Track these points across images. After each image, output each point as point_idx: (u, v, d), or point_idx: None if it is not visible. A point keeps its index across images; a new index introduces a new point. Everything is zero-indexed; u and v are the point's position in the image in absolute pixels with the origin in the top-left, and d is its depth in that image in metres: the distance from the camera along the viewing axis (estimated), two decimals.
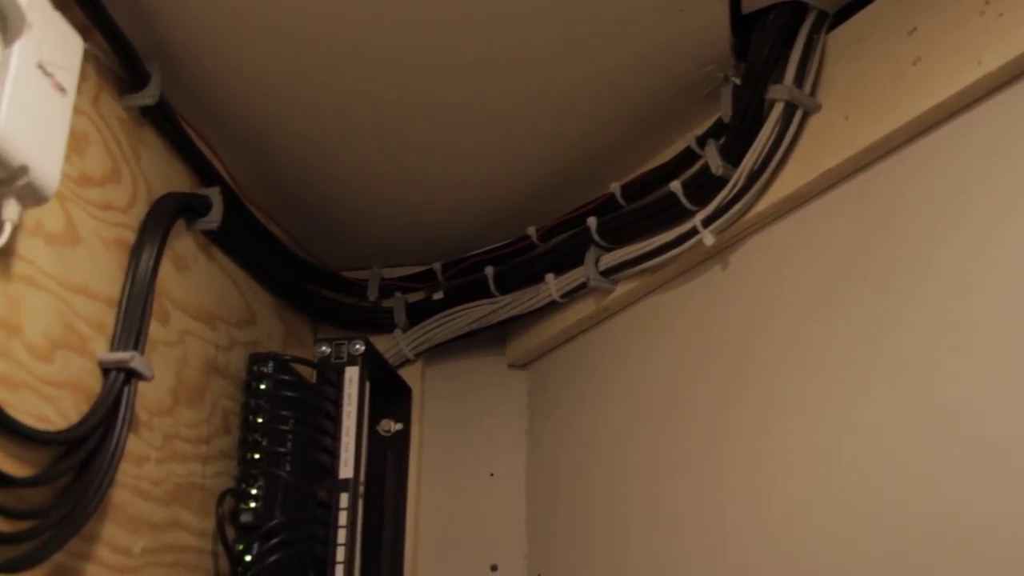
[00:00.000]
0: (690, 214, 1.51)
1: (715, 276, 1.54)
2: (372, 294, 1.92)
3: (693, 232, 1.49)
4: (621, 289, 1.66)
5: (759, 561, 1.35)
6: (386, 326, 1.89)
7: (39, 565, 1.12)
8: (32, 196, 1.09)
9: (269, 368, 1.61)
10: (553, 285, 1.71)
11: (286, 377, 1.62)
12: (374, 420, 1.73)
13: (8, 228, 1.07)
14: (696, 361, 1.53)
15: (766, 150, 1.42)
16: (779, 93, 1.40)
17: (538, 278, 1.75)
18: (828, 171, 1.37)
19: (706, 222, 1.48)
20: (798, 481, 1.33)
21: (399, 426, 1.83)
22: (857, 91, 1.36)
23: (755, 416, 1.42)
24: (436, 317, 1.86)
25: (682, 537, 1.47)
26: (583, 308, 1.72)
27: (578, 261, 1.68)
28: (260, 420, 1.58)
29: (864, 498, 1.24)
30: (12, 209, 1.07)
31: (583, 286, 1.68)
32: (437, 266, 1.89)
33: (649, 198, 1.61)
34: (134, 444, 1.33)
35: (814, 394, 1.34)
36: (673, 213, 1.54)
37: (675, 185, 1.52)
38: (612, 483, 1.62)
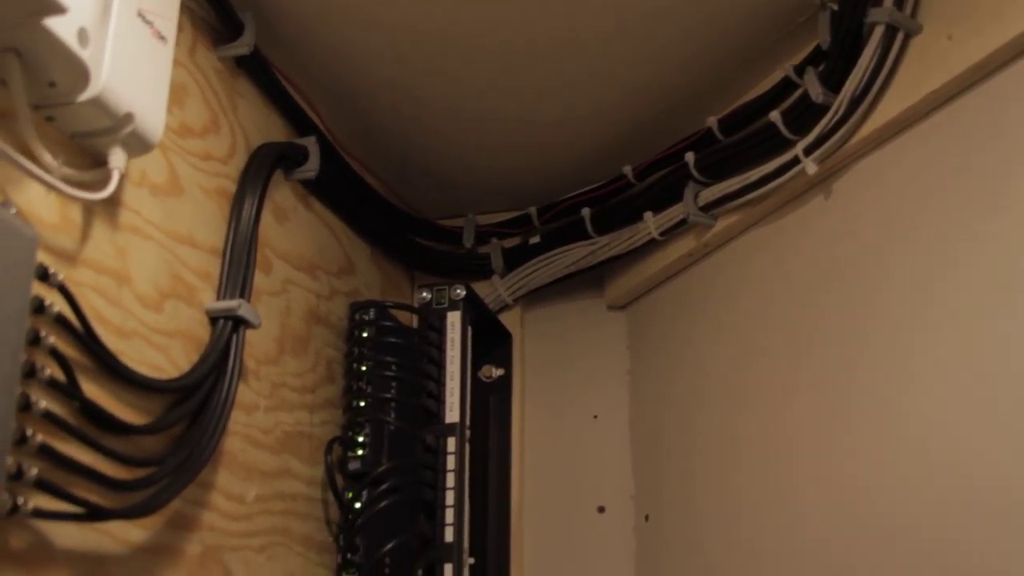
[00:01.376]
0: (791, 144, 1.49)
1: (817, 206, 1.52)
2: (468, 241, 1.92)
3: (795, 161, 1.47)
4: (721, 224, 1.64)
5: (892, 495, 1.32)
6: (483, 272, 1.89)
7: (157, 511, 1.13)
8: (138, 144, 1.10)
9: (371, 315, 1.62)
10: (652, 223, 1.70)
11: (388, 324, 1.63)
12: (476, 366, 1.72)
13: (116, 177, 1.08)
14: (801, 292, 1.51)
15: (867, 75, 1.39)
16: (879, 16, 1.37)
17: (636, 217, 1.73)
18: (931, 93, 1.34)
19: (808, 150, 1.45)
20: (926, 400, 1.31)
21: (500, 372, 1.83)
22: (960, 9, 1.32)
23: (875, 343, 1.39)
24: (533, 261, 1.85)
25: (798, 473, 1.45)
26: (683, 245, 1.71)
27: (676, 198, 1.67)
28: (364, 368, 1.59)
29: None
30: (119, 158, 1.08)
31: (682, 223, 1.67)
32: (532, 210, 1.89)
33: (747, 130, 1.58)
34: (243, 393, 1.34)
35: (924, 319, 1.32)
36: (773, 144, 1.52)
37: (774, 115, 1.50)
38: (721, 420, 1.61)
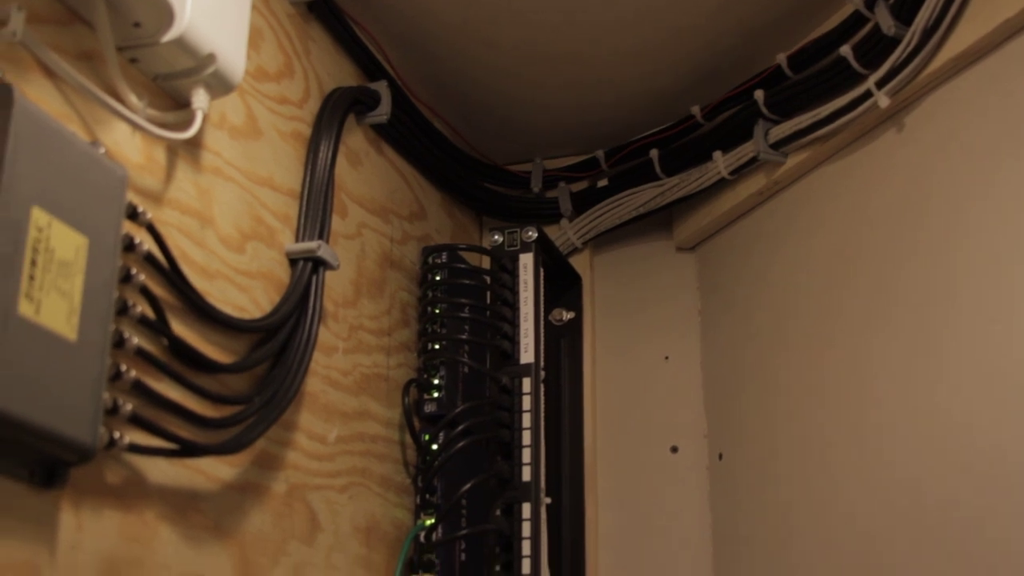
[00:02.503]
0: (862, 78, 1.48)
1: (889, 140, 1.51)
2: (536, 185, 1.93)
3: (866, 95, 1.47)
4: (791, 161, 1.64)
5: (990, 429, 1.30)
6: (552, 216, 1.89)
7: (246, 448, 1.15)
8: (219, 85, 1.11)
9: (443, 258, 1.63)
10: (721, 162, 1.70)
11: (461, 266, 1.64)
12: (546, 309, 1.73)
13: (199, 117, 1.09)
14: (878, 227, 1.51)
15: (940, 5, 1.38)
16: None
17: (705, 157, 1.73)
18: (1006, 22, 1.33)
19: (880, 84, 1.45)
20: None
21: (571, 314, 1.83)
22: None
23: (964, 275, 1.39)
24: (602, 204, 1.85)
25: (884, 409, 1.44)
26: (752, 184, 1.70)
27: (746, 136, 1.66)
28: (438, 310, 1.60)
29: None
30: (202, 98, 1.09)
31: (752, 160, 1.66)
32: (600, 154, 1.89)
33: (817, 66, 1.58)
34: (323, 334, 1.36)
35: (1013, 251, 1.31)
36: (843, 79, 1.52)
37: (845, 49, 1.49)
38: (800, 357, 1.60)
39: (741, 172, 1.70)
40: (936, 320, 1.39)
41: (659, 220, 1.89)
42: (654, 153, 1.79)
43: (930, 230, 1.42)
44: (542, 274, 1.66)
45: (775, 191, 1.70)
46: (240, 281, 1.21)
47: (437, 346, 1.59)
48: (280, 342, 1.24)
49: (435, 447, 1.55)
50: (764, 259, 1.71)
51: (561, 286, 1.83)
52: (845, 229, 1.56)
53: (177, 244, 1.10)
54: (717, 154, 1.70)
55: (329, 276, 1.36)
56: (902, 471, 1.40)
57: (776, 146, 1.63)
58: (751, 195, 1.71)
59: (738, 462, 1.70)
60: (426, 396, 1.58)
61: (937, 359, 1.37)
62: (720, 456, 1.73)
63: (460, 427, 1.54)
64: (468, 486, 1.51)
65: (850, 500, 1.47)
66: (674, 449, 1.79)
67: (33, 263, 0.85)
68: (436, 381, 1.57)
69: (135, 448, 0.98)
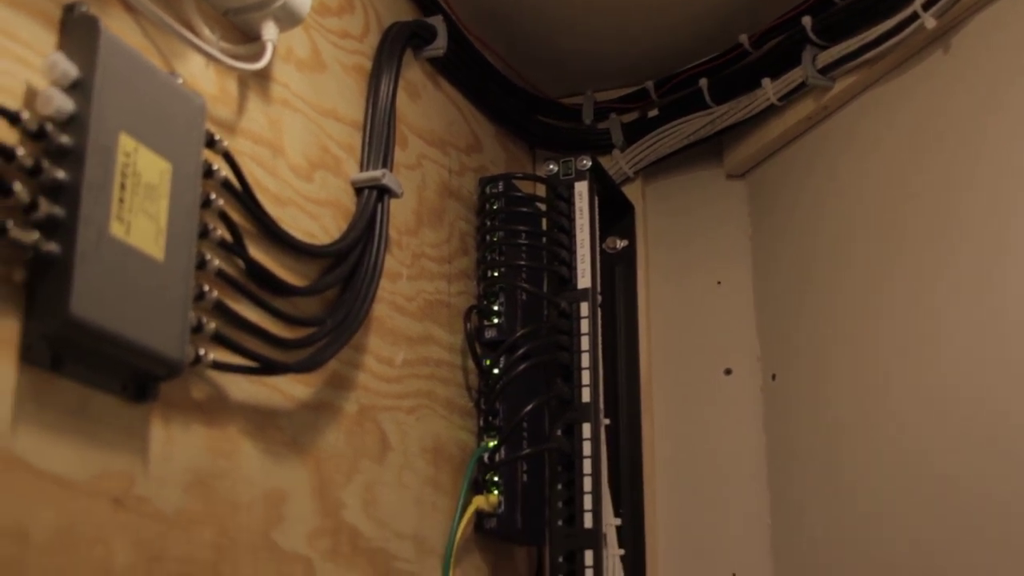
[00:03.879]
0: (908, 0, 1.50)
1: (937, 62, 1.53)
2: (587, 117, 1.96)
3: (913, 17, 1.49)
4: (839, 86, 1.66)
5: None
6: (604, 147, 1.92)
7: (320, 367, 1.20)
8: (287, 18, 1.15)
9: (500, 188, 1.67)
10: (770, 88, 1.72)
11: (517, 195, 1.68)
12: (601, 238, 1.77)
13: (269, 48, 1.13)
14: (923, 149, 1.53)
15: None
16: None
17: (754, 84, 1.76)
18: None
19: (926, 6, 1.47)
20: None
21: (624, 243, 1.87)
22: None
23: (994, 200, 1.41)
24: (653, 134, 1.88)
25: (944, 327, 1.47)
26: (801, 109, 1.73)
27: (794, 63, 1.69)
28: (496, 238, 1.65)
29: None
30: (271, 30, 1.13)
31: (801, 86, 1.69)
32: (649, 84, 1.91)
33: None
34: (388, 261, 1.40)
35: None
36: (890, 2, 1.54)
37: None
38: (853, 278, 1.63)
39: (790, 98, 1.73)
40: (999, 238, 1.41)
41: (709, 148, 1.92)
42: (703, 82, 1.82)
43: (988, 149, 1.44)
44: (596, 202, 1.69)
45: (824, 116, 1.72)
46: (310, 209, 1.26)
47: (496, 273, 1.63)
48: (349, 267, 1.29)
49: (496, 371, 1.59)
50: (816, 183, 1.74)
51: (614, 215, 1.86)
52: (899, 151, 1.58)
53: (251, 172, 1.14)
54: (766, 81, 1.73)
55: (393, 205, 1.41)
56: (960, 389, 1.42)
57: (824, 71, 1.66)
58: (800, 120, 1.74)
59: (791, 383, 1.73)
60: (486, 322, 1.62)
61: (1002, 276, 1.40)
62: (773, 377, 1.77)
63: (520, 351, 1.58)
64: (530, 408, 1.56)
65: (905, 418, 1.50)
66: (728, 371, 1.83)
67: (122, 187, 0.90)
68: (496, 307, 1.62)
69: (218, 365, 1.03)
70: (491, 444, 1.56)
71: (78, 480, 0.89)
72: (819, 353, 1.68)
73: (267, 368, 1.11)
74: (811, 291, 1.71)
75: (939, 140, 1.51)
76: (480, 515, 1.55)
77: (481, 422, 1.59)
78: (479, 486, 1.55)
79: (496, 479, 1.55)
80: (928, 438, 1.47)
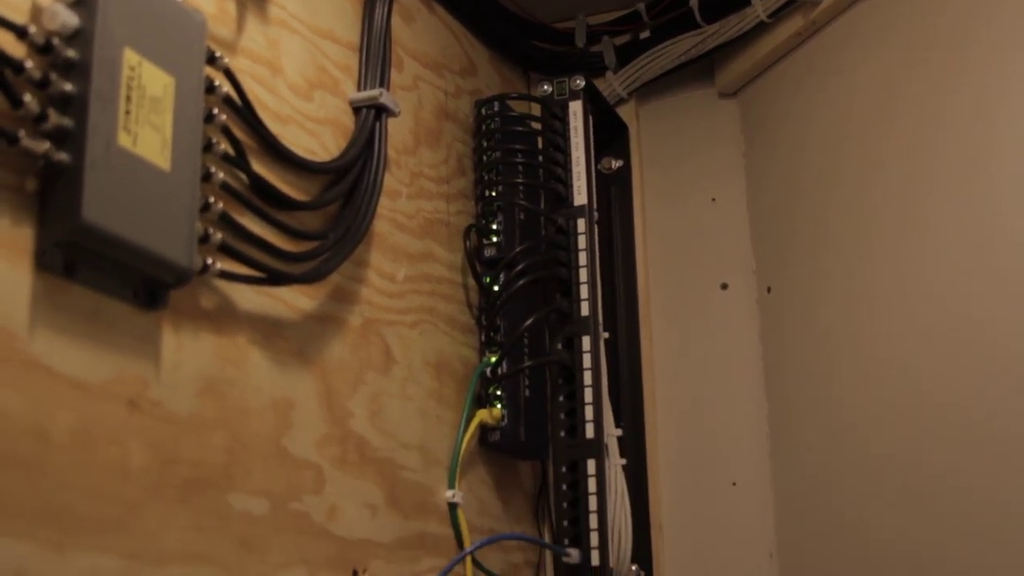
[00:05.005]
0: None
1: None
2: (580, 41, 1.98)
3: None
4: (828, 1, 1.69)
5: None
6: (597, 69, 1.94)
7: (324, 279, 1.24)
8: None
9: (496, 108, 1.70)
10: (759, 6, 1.75)
11: (512, 115, 1.71)
12: (596, 159, 1.79)
13: None
14: (912, 62, 1.56)
15: None
16: None
17: (743, 3, 1.78)
18: None
19: None
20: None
21: (619, 163, 1.90)
22: None
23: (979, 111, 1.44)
24: (645, 55, 1.90)
25: (934, 237, 1.50)
26: (791, 25, 1.75)
27: None
28: (492, 158, 1.67)
29: None
30: None
31: (790, 2, 1.72)
32: (641, 6, 1.93)
33: None
34: (387, 180, 1.43)
35: None
36: None
37: None
38: (846, 190, 1.66)
39: (779, 15, 1.75)
40: (987, 148, 1.44)
41: (701, 68, 1.94)
42: (694, 2, 1.83)
43: (976, 60, 1.46)
44: (591, 121, 1.72)
45: (813, 31, 1.75)
46: (310, 127, 1.29)
47: (494, 193, 1.66)
48: (349, 183, 1.32)
49: (496, 288, 1.63)
50: (806, 98, 1.77)
51: (609, 136, 1.89)
52: (887, 63, 1.60)
53: (251, 89, 1.17)
54: None
55: (391, 125, 1.43)
56: (947, 298, 1.46)
57: None
58: (789, 37, 1.76)
59: (786, 295, 1.77)
60: (485, 241, 1.65)
61: (989, 185, 1.43)
62: (768, 289, 1.80)
63: (519, 267, 1.61)
64: (530, 321, 1.59)
65: (892, 328, 1.54)
66: (724, 286, 1.86)
67: (128, 99, 0.93)
68: (494, 226, 1.65)
69: (226, 275, 1.07)
70: (493, 359, 1.60)
71: (94, 383, 0.93)
72: (812, 265, 1.71)
73: (273, 279, 1.14)
74: (803, 205, 1.74)
75: (927, 51, 1.54)
76: (484, 429, 1.59)
77: (483, 338, 1.63)
78: (482, 401, 1.59)
79: (499, 393, 1.59)
80: (915, 350, 1.50)
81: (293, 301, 1.22)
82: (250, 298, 1.14)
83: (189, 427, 1.03)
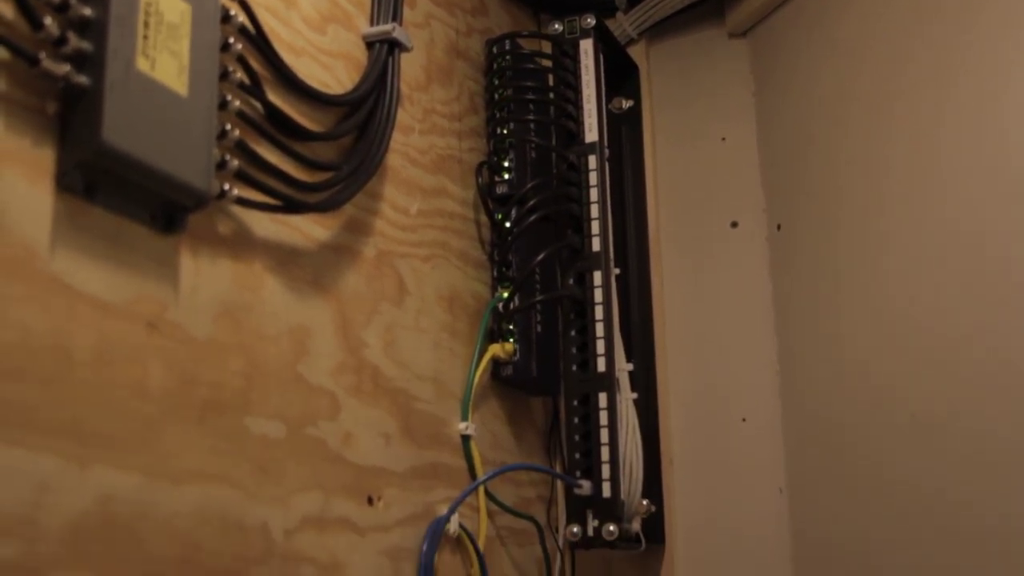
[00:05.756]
0: None
1: None
2: None
3: None
4: None
5: None
6: (607, 9, 1.95)
7: (339, 208, 1.26)
8: None
9: (506, 47, 1.71)
10: None
11: (523, 53, 1.72)
12: (606, 99, 1.80)
13: None
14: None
15: None
16: None
17: None
18: None
19: None
20: None
21: (630, 103, 1.91)
22: None
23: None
24: None
25: (947, 169, 1.51)
26: None
27: None
28: (504, 95, 1.68)
29: None
30: None
31: None
32: None
33: None
34: (400, 115, 1.44)
35: None
36: None
37: None
38: (859, 124, 1.66)
39: None
40: (1003, 84, 1.44)
41: (711, 8, 1.95)
42: None
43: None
44: (601, 60, 1.73)
45: None
46: (323, 60, 1.30)
47: (505, 130, 1.68)
48: (363, 116, 1.33)
49: (508, 224, 1.64)
50: (818, 37, 1.77)
51: (619, 76, 1.90)
52: (903, 1, 1.61)
53: (265, 21, 1.18)
54: None
55: (404, 61, 1.45)
56: (960, 236, 1.46)
57: None
58: None
59: (796, 232, 1.78)
60: (497, 179, 1.66)
61: (1004, 124, 1.43)
62: (778, 227, 1.81)
63: (530, 203, 1.63)
64: (542, 256, 1.61)
65: (903, 264, 1.55)
66: (734, 224, 1.87)
67: (146, 24, 0.94)
68: (506, 163, 1.66)
69: (242, 201, 1.08)
70: (505, 294, 1.61)
71: (114, 303, 0.95)
72: (823, 203, 1.72)
73: (289, 207, 1.16)
74: (815, 143, 1.75)
75: None
76: (496, 363, 1.61)
77: (495, 273, 1.64)
78: (494, 336, 1.61)
79: (511, 329, 1.61)
80: (926, 285, 1.51)
81: (308, 230, 1.24)
82: (266, 226, 1.16)
83: (207, 350, 1.05)
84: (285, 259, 1.19)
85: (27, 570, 0.83)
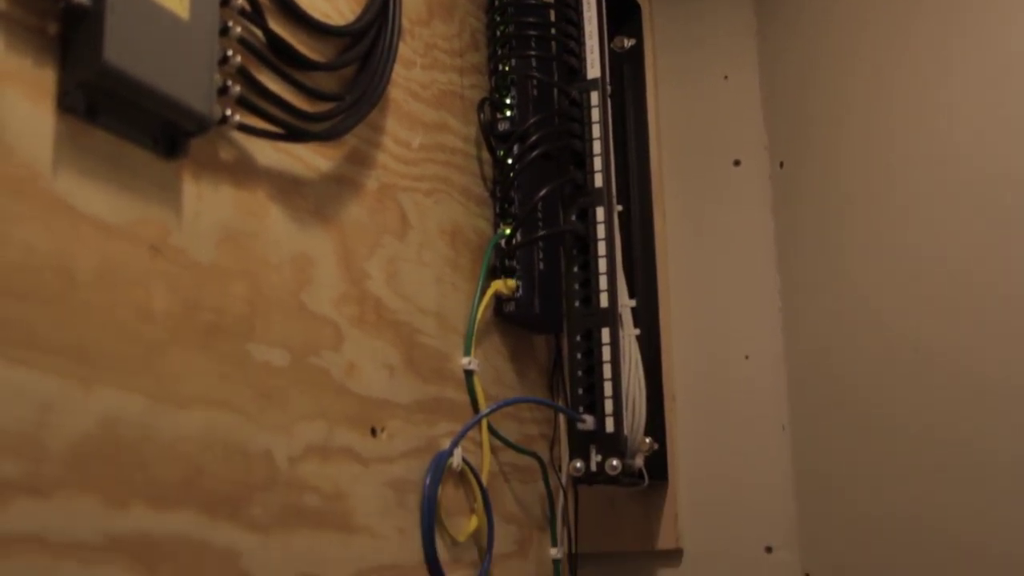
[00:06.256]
0: None
1: None
2: None
3: None
4: None
5: None
6: None
7: (341, 138, 1.26)
8: None
9: None
10: None
11: None
12: (608, 38, 1.79)
13: None
14: None
15: None
16: None
17: None
18: None
19: None
20: None
21: (632, 41, 1.90)
22: None
23: None
24: None
25: (955, 96, 1.50)
26: None
27: None
28: (506, 31, 1.68)
29: None
30: None
31: None
32: None
33: None
34: (401, 49, 1.44)
35: None
36: None
37: None
38: (865, 62, 1.66)
39: None
40: (1012, 5, 1.44)
41: None
42: None
43: None
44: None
45: None
46: None
47: (507, 67, 1.67)
48: (365, 48, 1.33)
49: (510, 162, 1.64)
50: None
51: (621, 15, 1.89)
52: None
53: None
54: None
55: None
56: (966, 162, 1.46)
57: None
58: None
59: (799, 167, 1.78)
60: (499, 115, 1.66)
61: (1019, 48, 1.43)
62: (781, 165, 1.81)
63: (532, 139, 1.62)
64: (544, 191, 1.61)
65: (909, 194, 1.55)
66: (736, 162, 1.87)
67: None
68: (508, 100, 1.66)
69: (244, 128, 1.08)
70: (507, 231, 1.61)
71: (117, 225, 0.94)
72: (826, 138, 1.72)
73: (292, 135, 1.15)
74: (819, 79, 1.75)
75: None
76: (499, 300, 1.61)
77: (497, 210, 1.64)
78: (497, 273, 1.61)
79: (514, 265, 1.61)
80: (932, 220, 1.51)
81: (311, 160, 1.24)
82: (268, 154, 1.16)
83: (210, 275, 1.05)
84: (287, 188, 1.19)
85: (32, 489, 0.84)
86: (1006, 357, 1.38)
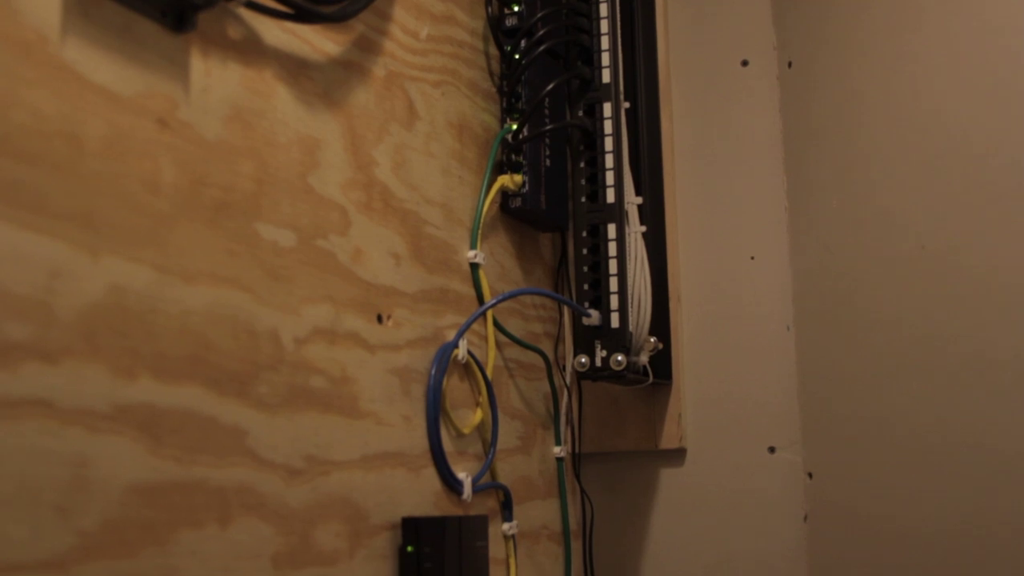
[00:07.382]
0: None
1: None
2: None
3: None
4: None
5: None
6: None
7: (349, 19, 1.25)
8: None
9: None
10: None
11: None
12: None
13: None
14: None
15: None
16: None
17: None
18: None
19: None
20: None
21: None
22: None
23: None
24: None
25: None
26: None
27: None
28: None
29: None
30: None
31: None
32: None
33: None
34: None
35: None
36: None
37: None
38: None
39: None
40: None
41: None
42: None
43: None
44: None
45: None
46: None
47: None
48: None
49: (517, 56, 1.63)
50: None
51: None
52: None
53: None
54: None
55: None
56: (989, 52, 1.46)
57: None
58: None
59: (809, 66, 1.77)
60: (506, 11, 1.64)
61: None
62: (790, 64, 1.80)
63: (539, 33, 1.61)
64: (552, 85, 1.60)
65: (926, 81, 1.54)
66: (744, 63, 1.86)
67: None
68: None
69: (252, 5, 1.08)
70: (514, 126, 1.60)
71: (124, 95, 0.94)
72: (836, 37, 1.71)
73: (300, 15, 1.15)
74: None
75: None
76: (505, 195, 1.60)
77: (504, 105, 1.63)
78: (503, 168, 1.60)
79: (520, 161, 1.60)
80: (941, 115, 1.51)
81: (319, 43, 1.23)
82: (276, 35, 1.15)
83: (218, 151, 1.05)
84: (295, 69, 1.18)
85: (41, 353, 0.84)
86: (1017, 257, 1.38)
